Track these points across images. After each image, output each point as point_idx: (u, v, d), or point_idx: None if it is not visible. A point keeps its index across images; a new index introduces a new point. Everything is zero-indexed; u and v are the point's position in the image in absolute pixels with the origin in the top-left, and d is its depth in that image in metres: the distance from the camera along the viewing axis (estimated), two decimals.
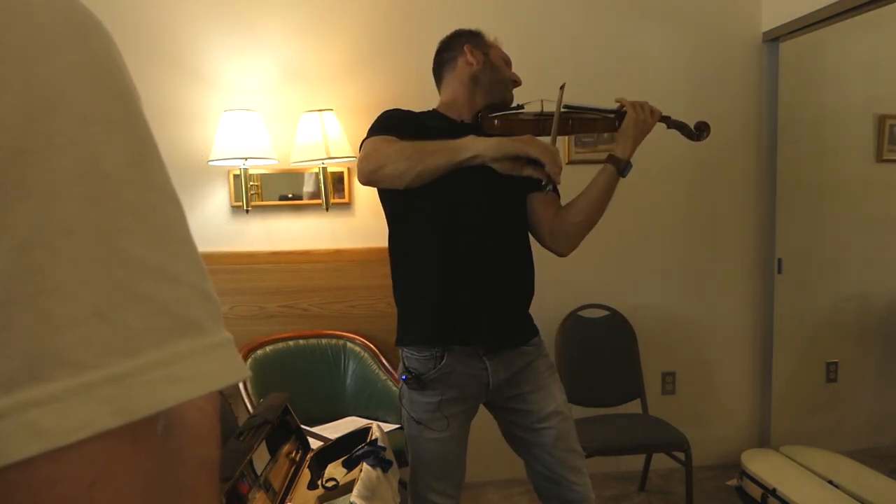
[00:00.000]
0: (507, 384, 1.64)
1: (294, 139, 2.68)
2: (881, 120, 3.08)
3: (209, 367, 0.33)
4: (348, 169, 2.86)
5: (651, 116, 1.65)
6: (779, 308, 3.04)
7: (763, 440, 3.10)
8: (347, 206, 2.88)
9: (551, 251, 1.71)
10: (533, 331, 1.70)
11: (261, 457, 1.44)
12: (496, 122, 1.65)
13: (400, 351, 1.66)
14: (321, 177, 2.79)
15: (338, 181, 2.87)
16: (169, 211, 0.34)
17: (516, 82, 1.74)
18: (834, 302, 3.17)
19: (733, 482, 2.88)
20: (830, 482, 2.55)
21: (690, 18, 2.98)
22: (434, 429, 1.59)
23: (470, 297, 1.57)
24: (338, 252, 2.86)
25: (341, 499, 1.47)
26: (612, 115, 1.68)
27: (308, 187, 2.89)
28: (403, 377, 1.60)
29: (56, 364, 0.29)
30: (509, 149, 1.43)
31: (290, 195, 2.88)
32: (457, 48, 1.70)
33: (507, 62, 1.74)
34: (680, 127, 1.75)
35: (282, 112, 2.81)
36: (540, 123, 1.66)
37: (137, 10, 2.72)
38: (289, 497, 1.48)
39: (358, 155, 1.55)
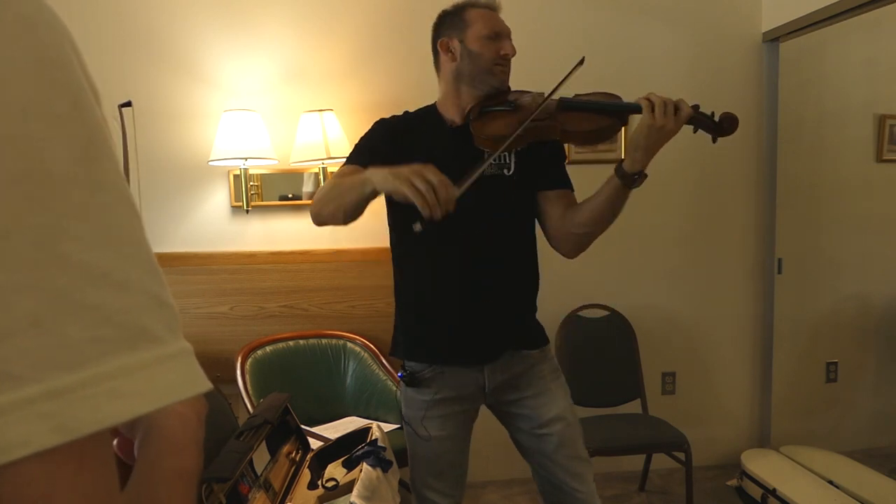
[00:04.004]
0: (505, 388, 1.60)
1: (294, 139, 2.67)
2: (881, 120, 3.08)
3: (161, 380, 0.30)
4: None
5: (674, 121, 1.32)
6: (779, 308, 3.04)
7: (763, 440, 3.10)
8: None
9: (557, 251, 1.62)
10: (540, 339, 1.64)
11: (261, 457, 1.44)
12: (479, 123, 1.53)
13: None
14: (321, 177, 2.79)
15: None
16: (120, 211, 0.32)
17: (505, 57, 1.54)
18: (834, 302, 3.17)
19: (733, 482, 2.88)
20: (830, 482, 2.55)
21: (690, 18, 2.98)
22: (426, 427, 1.58)
23: (463, 317, 1.55)
24: (338, 252, 2.86)
25: (341, 499, 1.47)
26: (613, 119, 1.49)
27: (308, 187, 2.88)
28: (400, 374, 1.61)
29: None
30: (388, 186, 1.27)
31: (290, 195, 2.88)
32: (435, 45, 1.61)
33: (495, 34, 1.54)
34: (708, 128, 1.45)
35: (282, 112, 2.81)
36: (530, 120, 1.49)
37: (137, 10, 2.72)
38: (289, 497, 1.47)
39: None
